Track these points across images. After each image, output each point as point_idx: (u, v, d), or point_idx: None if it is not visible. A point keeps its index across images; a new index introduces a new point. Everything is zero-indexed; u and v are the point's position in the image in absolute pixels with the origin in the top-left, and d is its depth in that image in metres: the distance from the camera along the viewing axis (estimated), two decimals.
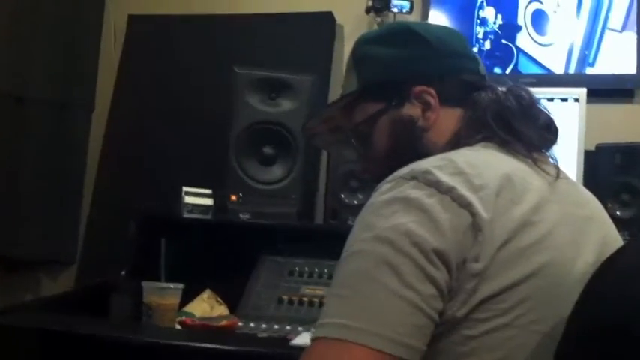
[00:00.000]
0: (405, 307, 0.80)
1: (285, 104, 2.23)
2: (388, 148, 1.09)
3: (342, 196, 2.17)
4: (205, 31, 2.62)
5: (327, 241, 2.04)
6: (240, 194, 2.16)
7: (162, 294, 1.82)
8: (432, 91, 1.06)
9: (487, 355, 0.84)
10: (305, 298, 1.90)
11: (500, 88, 1.05)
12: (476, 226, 0.83)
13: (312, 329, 0.86)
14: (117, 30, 2.74)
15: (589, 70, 2.37)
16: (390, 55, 1.10)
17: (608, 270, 0.82)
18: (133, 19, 2.72)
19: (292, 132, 2.20)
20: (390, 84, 1.09)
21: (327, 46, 2.56)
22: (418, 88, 1.06)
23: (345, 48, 2.58)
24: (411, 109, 1.07)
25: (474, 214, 0.83)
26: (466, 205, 0.84)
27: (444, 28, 1.20)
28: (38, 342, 1.68)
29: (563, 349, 0.81)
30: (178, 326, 1.79)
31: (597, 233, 0.97)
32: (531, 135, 0.99)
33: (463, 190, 0.85)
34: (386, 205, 0.86)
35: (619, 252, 0.85)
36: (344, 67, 2.55)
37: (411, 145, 1.05)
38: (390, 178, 0.90)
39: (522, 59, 2.44)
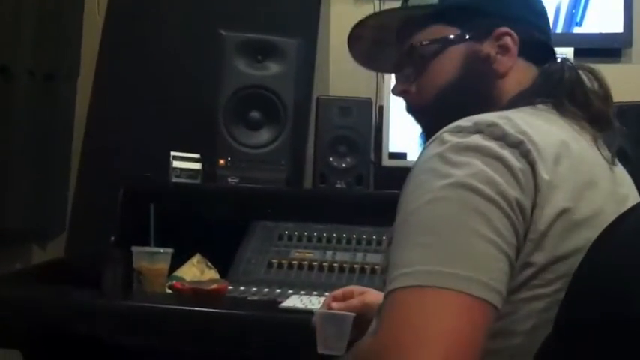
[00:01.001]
0: (497, 254, 0.77)
1: (272, 67, 2.22)
2: (452, 80, 1.01)
3: (331, 159, 2.17)
4: None
5: (316, 205, 2.08)
6: (229, 159, 2.15)
7: (151, 259, 1.82)
8: (516, 37, 1.00)
9: (520, 321, 0.82)
10: (294, 262, 1.90)
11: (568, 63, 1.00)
12: (537, 186, 0.80)
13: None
14: None
15: (576, 30, 2.36)
16: None
17: (609, 236, 0.81)
18: None
19: (280, 96, 2.19)
20: (476, 13, 1.02)
21: (314, 9, 2.53)
22: (502, 29, 1.00)
23: (332, 11, 2.56)
24: (490, 48, 1.00)
25: (536, 173, 0.81)
26: (532, 163, 0.81)
27: None
28: (28, 311, 1.68)
29: (562, 315, 0.80)
30: (169, 291, 1.79)
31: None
32: (596, 111, 0.96)
33: (529, 145, 0.82)
34: (457, 154, 0.81)
35: (620, 219, 0.83)
36: (331, 31, 2.57)
37: (480, 85, 0.99)
38: (448, 128, 0.85)
39: None
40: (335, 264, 1.87)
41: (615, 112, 1.00)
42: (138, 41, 2.55)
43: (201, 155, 2.18)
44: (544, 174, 0.81)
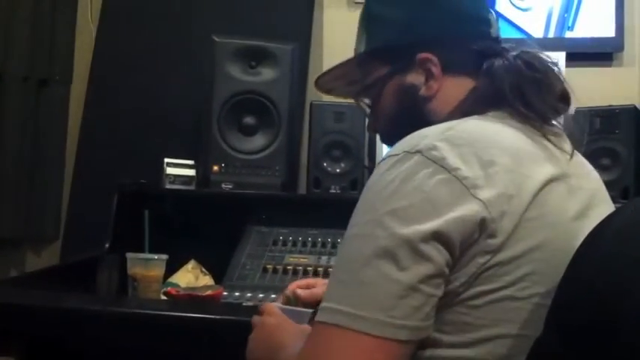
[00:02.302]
0: (401, 291, 0.81)
1: (266, 73, 2.23)
2: (393, 113, 1.09)
3: (325, 164, 2.17)
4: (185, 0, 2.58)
5: (310, 210, 2.08)
6: (223, 165, 2.16)
7: (146, 265, 1.82)
8: (435, 59, 1.04)
9: (489, 326, 0.86)
10: (289, 267, 1.91)
11: (511, 54, 1.02)
12: (486, 204, 0.84)
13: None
14: (93, 1, 2.70)
15: (568, 34, 2.38)
16: (397, 16, 1.09)
17: (603, 232, 0.83)
18: None
19: (273, 101, 2.20)
20: (395, 48, 1.08)
21: (307, 14, 2.53)
22: (422, 56, 1.05)
23: (325, 15, 2.57)
24: (414, 77, 1.06)
25: (479, 194, 0.84)
26: (472, 187, 0.84)
27: None
28: (23, 318, 1.67)
29: (554, 311, 0.82)
30: (163, 297, 1.79)
31: (603, 206, 0.98)
32: (544, 106, 0.98)
33: (469, 169, 0.85)
34: (386, 186, 0.86)
35: (603, 224, 0.85)
36: (324, 35, 2.57)
37: (414, 113, 1.04)
38: (393, 149, 0.90)
39: (502, 23, 2.43)
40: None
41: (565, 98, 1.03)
42: (131, 47, 2.55)
43: (195, 161, 2.19)
44: (491, 190, 0.84)
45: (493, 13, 1.13)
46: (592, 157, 1.92)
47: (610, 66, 2.37)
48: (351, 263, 0.85)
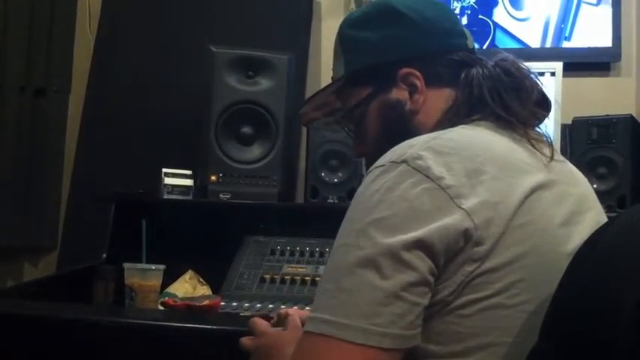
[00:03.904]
0: (383, 299, 0.81)
1: (263, 83, 2.23)
2: (379, 133, 1.09)
3: (322, 174, 2.17)
4: (182, 10, 2.59)
5: (308, 220, 2.08)
6: (220, 174, 2.16)
7: (143, 275, 1.82)
8: (418, 73, 1.05)
9: (480, 334, 0.86)
10: (287, 277, 1.91)
11: (489, 63, 1.04)
12: (470, 213, 0.84)
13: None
14: (91, 10, 2.71)
15: (565, 44, 2.38)
16: (373, 38, 1.10)
17: (598, 240, 0.83)
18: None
19: (271, 111, 2.20)
20: (375, 68, 1.09)
21: (304, 23, 2.54)
22: (403, 71, 1.06)
23: (323, 25, 2.57)
24: (398, 93, 1.06)
25: (463, 202, 0.84)
26: (456, 196, 0.84)
27: (431, 3, 1.18)
28: (19, 328, 1.67)
29: (550, 320, 0.82)
30: (161, 307, 1.79)
31: (591, 212, 0.98)
32: (525, 112, 0.99)
33: (454, 178, 0.85)
34: (371, 196, 0.87)
35: (599, 233, 0.85)
36: (322, 45, 2.58)
37: (401, 129, 1.04)
38: (380, 160, 0.90)
39: (499, 34, 2.45)
40: None
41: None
42: (129, 58, 2.56)
43: (192, 170, 2.18)
44: (476, 199, 0.85)
45: (464, 27, 1.15)
46: (589, 166, 1.97)
47: (607, 76, 2.38)
48: (335, 272, 0.86)
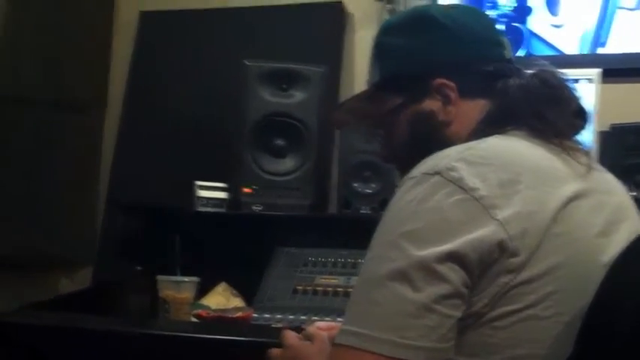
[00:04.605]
0: (414, 311, 0.81)
1: (297, 95, 2.23)
2: (411, 142, 1.08)
3: (355, 185, 2.16)
4: (216, 25, 2.61)
5: (340, 231, 2.07)
6: (254, 186, 2.16)
7: (177, 288, 1.84)
8: (452, 84, 1.04)
9: (514, 346, 0.84)
10: (320, 288, 1.90)
11: (527, 72, 1.03)
12: (505, 224, 0.83)
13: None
14: (128, 27, 2.75)
15: (602, 50, 2.34)
16: (407, 45, 1.09)
17: (636, 250, 0.82)
18: (144, 16, 2.72)
19: (304, 123, 2.20)
20: (408, 77, 1.08)
21: (337, 36, 2.54)
22: (437, 82, 1.05)
23: (356, 37, 2.57)
24: (431, 103, 1.05)
25: (497, 213, 0.83)
26: (490, 207, 0.83)
27: (467, 9, 1.16)
28: (55, 340, 1.69)
29: (586, 331, 0.81)
30: (194, 319, 1.80)
31: (628, 221, 0.96)
32: (562, 122, 0.97)
33: (488, 189, 0.84)
34: (403, 207, 0.86)
35: (635, 243, 0.84)
36: (355, 57, 2.58)
37: (433, 140, 1.03)
38: (413, 172, 0.90)
39: (535, 41, 2.41)
40: None
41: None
42: (164, 71, 2.59)
43: (225, 182, 2.20)
44: (510, 209, 0.83)
45: (506, 37, 1.12)
46: (626, 174, 1.92)
47: None
48: (366, 285, 0.85)
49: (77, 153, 2.58)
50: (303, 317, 1.78)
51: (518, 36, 2.42)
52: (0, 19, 2.41)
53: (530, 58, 2.35)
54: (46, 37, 2.50)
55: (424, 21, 1.09)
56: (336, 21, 2.56)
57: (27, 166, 2.44)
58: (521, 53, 2.40)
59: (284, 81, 2.24)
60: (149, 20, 2.71)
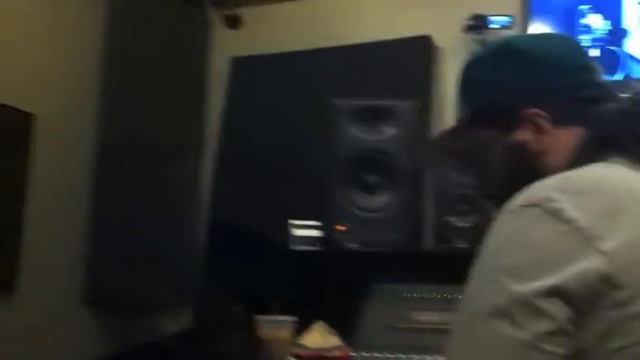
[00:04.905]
0: (518, 350, 0.78)
1: (387, 131, 2.23)
2: (506, 175, 1.05)
3: (451, 219, 2.13)
4: (304, 66, 2.66)
5: (437, 266, 2.03)
6: (347, 223, 2.16)
7: (275, 327, 1.84)
8: (543, 113, 1.01)
9: None
10: (417, 325, 1.86)
11: (623, 95, 0.99)
12: (610, 255, 0.79)
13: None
14: (220, 73, 2.83)
15: None
16: (494, 79, 1.07)
17: None
18: (235, 61, 2.80)
19: (395, 158, 2.19)
20: (498, 110, 1.06)
21: (426, 69, 2.54)
22: (528, 112, 1.01)
23: (445, 70, 2.56)
24: (524, 134, 1.02)
25: (601, 245, 0.79)
26: (592, 238, 0.79)
27: (555, 38, 1.12)
28: None
29: None
30: (292, 359, 1.79)
31: None
32: None
33: (589, 219, 0.80)
34: (501, 242, 0.84)
35: None
36: (445, 90, 2.56)
37: (529, 171, 1.00)
38: (510, 204, 0.87)
39: (632, 64, 2.33)
40: None
41: None
42: (256, 114, 2.65)
43: (317, 220, 2.20)
44: (613, 242, 0.79)
45: (594, 60, 1.09)
46: None
47: None
48: (466, 322, 0.83)
49: (176, 198, 2.65)
50: (402, 355, 1.75)
51: (615, 59, 2.35)
52: (101, 72, 2.53)
53: (627, 81, 2.27)
54: (145, 87, 2.60)
55: (510, 52, 1.07)
56: (425, 55, 2.56)
57: (129, 211, 2.53)
58: (618, 77, 2.33)
59: (373, 117, 2.24)
60: (240, 65, 2.79)
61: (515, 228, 0.83)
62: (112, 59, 2.55)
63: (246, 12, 2.89)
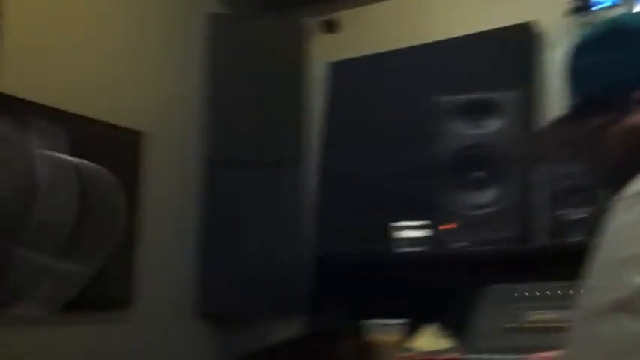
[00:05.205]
0: None
1: (492, 125, 2.18)
2: (620, 161, 1.00)
3: (563, 212, 2.04)
4: (403, 64, 2.62)
5: (551, 262, 1.95)
6: (454, 222, 2.11)
7: (384, 331, 1.83)
8: None
9: None
10: (531, 325, 1.79)
11: None
12: None
13: None
14: (318, 78, 2.83)
15: None
16: (604, 62, 1.02)
17: None
18: (333, 66, 2.80)
19: (501, 152, 2.13)
20: (609, 94, 1.01)
21: (529, 58, 2.45)
22: (638, 93, 0.97)
23: (548, 56, 2.45)
24: (636, 117, 0.98)
25: None
26: None
27: None
28: None
29: None
30: None
31: None
32: None
33: None
34: (618, 232, 0.80)
35: None
36: (551, 78, 2.45)
37: None
38: (627, 193, 0.84)
39: None
40: None
41: None
42: (356, 117, 2.64)
43: (424, 221, 2.16)
44: None
45: None
46: None
47: None
48: (586, 320, 0.79)
49: (279, 209, 2.67)
50: (516, 357, 1.69)
51: None
52: (206, 89, 2.60)
53: None
54: (245, 101, 2.65)
55: (618, 32, 1.02)
56: (526, 43, 2.47)
57: (238, 224, 2.57)
58: None
59: (477, 111, 2.19)
60: (338, 69, 2.78)
61: (632, 217, 0.79)
62: (214, 77, 2.62)
63: (342, 15, 2.89)
